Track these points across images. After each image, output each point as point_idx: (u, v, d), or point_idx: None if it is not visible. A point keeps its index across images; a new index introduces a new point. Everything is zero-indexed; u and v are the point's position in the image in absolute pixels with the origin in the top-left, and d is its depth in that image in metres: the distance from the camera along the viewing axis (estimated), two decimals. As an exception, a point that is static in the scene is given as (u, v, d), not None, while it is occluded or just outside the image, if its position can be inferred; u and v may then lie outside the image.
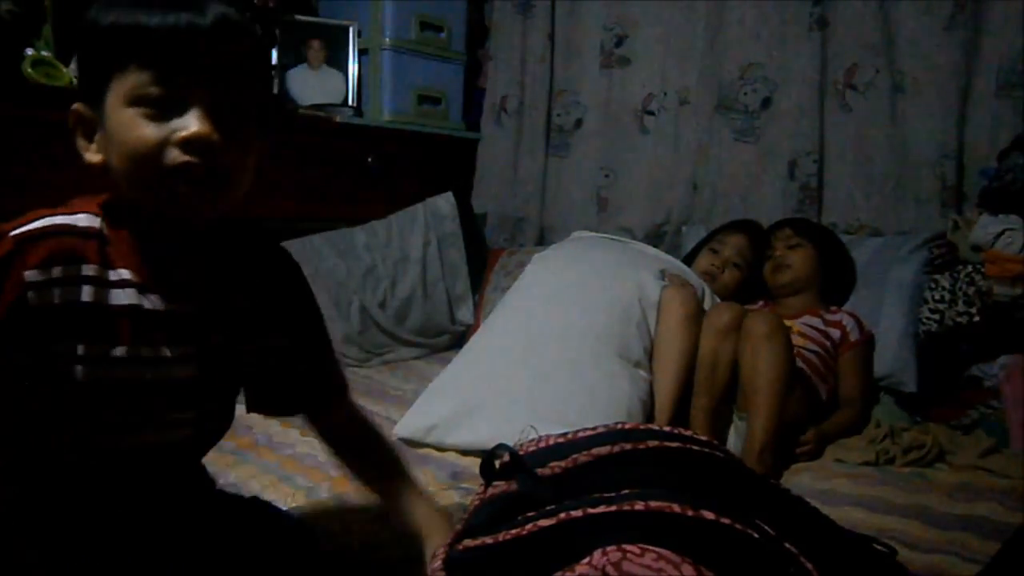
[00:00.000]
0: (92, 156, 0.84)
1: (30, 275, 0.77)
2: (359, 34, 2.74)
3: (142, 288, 0.84)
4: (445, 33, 2.87)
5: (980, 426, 1.79)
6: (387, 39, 2.70)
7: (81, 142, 0.85)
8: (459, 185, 2.89)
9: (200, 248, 0.89)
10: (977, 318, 1.92)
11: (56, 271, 0.79)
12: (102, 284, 0.82)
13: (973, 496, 1.43)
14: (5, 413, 0.84)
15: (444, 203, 2.76)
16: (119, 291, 0.83)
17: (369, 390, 2.08)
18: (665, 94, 2.63)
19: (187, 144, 0.77)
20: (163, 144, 0.77)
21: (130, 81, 0.77)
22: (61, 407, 0.84)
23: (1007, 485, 1.49)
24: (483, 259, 2.82)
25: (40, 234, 0.79)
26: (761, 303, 2.09)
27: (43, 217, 0.81)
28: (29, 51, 1.99)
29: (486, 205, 3.01)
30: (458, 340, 2.58)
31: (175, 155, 0.77)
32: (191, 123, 0.77)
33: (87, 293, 0.81)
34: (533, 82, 2.88)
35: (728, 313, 1.70)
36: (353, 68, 2.73)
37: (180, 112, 0.78)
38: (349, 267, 2.46)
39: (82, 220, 0.83)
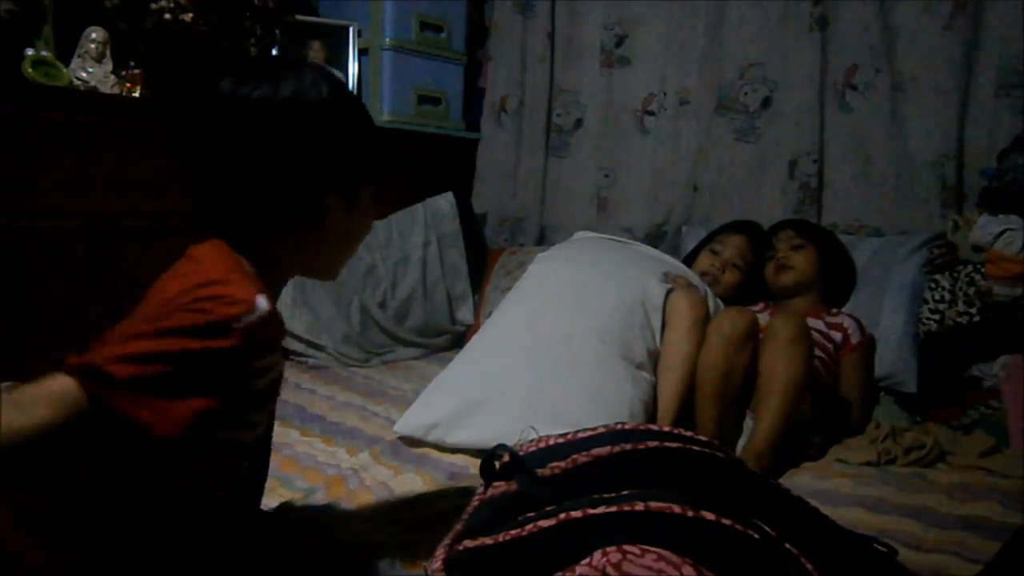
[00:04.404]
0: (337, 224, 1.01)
1: (261, 363, 0.87)
2: (359, 34, 2.74)
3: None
4: (445, 33, 2.87)
5: (980, 426, 1.78)
6: (387, 39, 2.70)
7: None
8: (459, 185, 2.89)
9: None
10: (977, 318, 1.92)
11: (270, 359, 0.88)
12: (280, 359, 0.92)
13: (973, 496, 1.43)
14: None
15: (444, 203, 2.76)
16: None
17: (369, 390, 2.08)
18: (665, 94, 2.63)
19: None
20: None
21: (372, 186, 1.05)
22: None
23: (1007, 485, 1.49)
24: (483, 259, 2.82)
25: (260, 324, 0.85)
26: (761, 304, 2.08)
27: (243, 300, 0.85)
28: (29, 51, 1.99)
29: (486, 205, 3.01)
30: (458, 340, 2.58)
31: None
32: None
33: (279, 370, 0.92)
34: (533, 82, 2.88)
35: (742, 321, 1.65)
36: (353, 68, 2.73)
37: None
38: (349, 267, 2.44)
39: (263, 303, 0.87)
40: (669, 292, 1.82)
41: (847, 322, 1.93)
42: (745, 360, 1.64)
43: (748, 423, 1.68)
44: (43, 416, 0.78)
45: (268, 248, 0.97)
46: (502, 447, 0.97)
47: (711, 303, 1.86)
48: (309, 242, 1.00)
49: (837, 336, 1.90)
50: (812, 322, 1.91)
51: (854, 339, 1.90)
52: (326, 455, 1.58)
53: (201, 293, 0.84)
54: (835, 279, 2.07)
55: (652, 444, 0.94)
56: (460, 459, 1.55)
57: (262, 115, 0.93)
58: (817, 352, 1.83)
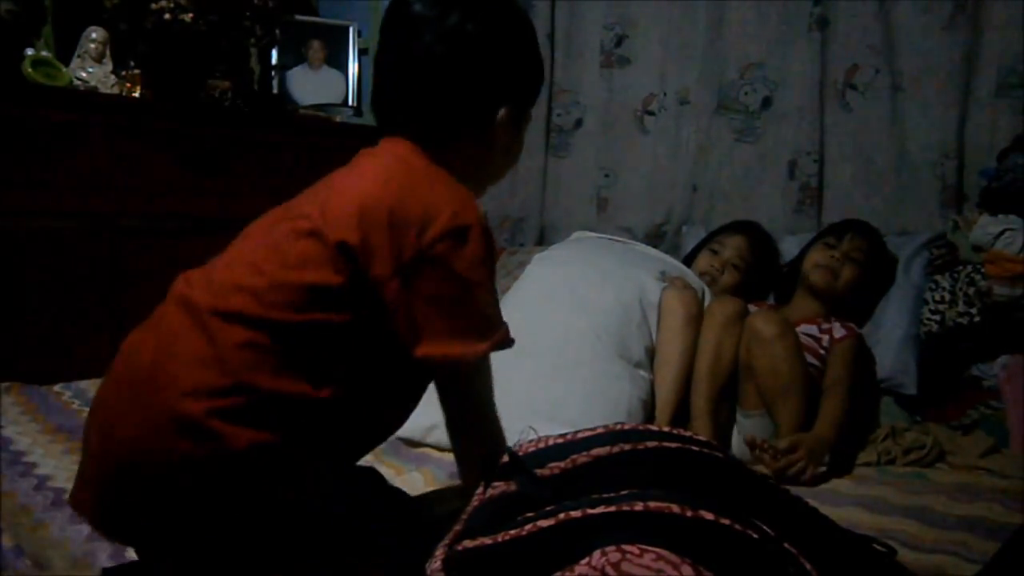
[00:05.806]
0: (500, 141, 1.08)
1: None
2: (359, 34, 2.74)
3: None
4: (445, 33, 2.87)
5: (980, 426, 1.78)
6: (387, 39, 2.70)
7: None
8: (459, 185, 2.89)
9: None
10: (977, 318, 1.91)
11: None
12: None
13: (973, 496, 1.42)
14: None
15: (444, 203, 2.75)
16: None
17: (369, 390, 2.08)
18: (665, 94, 2.63)
19: None
20: None
21: (527, 113, 1.10)
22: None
23: (1007, 485, 1.49)
24: (483, 259, 2.81)
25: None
26: (764, 305, 2.07)
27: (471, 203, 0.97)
28: (29, 51, 1.99)
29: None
30: (458, 340, 2.57)
31: None
32: None
33: None
34: (533, 82, 2.88)
35: (732, 305, 1.71)
36: (353, 68, 2.74)
37: None
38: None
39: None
40: (664, 291, 1.82)
41: (835, 325, 1.90)
42: (734, 339, 1.66)
43: (742, 421, 1.68)
44: None
45: (442, 155, 1.02)
46: (501, 447, 0.97)
47: (708, 302, 1.85)
48: (473, 154, 1.05)
49: (826, 340, 1.88)
50: (807, 327, 1.89)
51: (836, 335, 1.87)
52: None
53: (454, 222, 0.91)
54: (852, 303, 2.00)
55: (651, 444, 0.94)
56: (460, 459, 1.55)
57: (464, 29, 1.00)
58: (812, 361, 1.80)
